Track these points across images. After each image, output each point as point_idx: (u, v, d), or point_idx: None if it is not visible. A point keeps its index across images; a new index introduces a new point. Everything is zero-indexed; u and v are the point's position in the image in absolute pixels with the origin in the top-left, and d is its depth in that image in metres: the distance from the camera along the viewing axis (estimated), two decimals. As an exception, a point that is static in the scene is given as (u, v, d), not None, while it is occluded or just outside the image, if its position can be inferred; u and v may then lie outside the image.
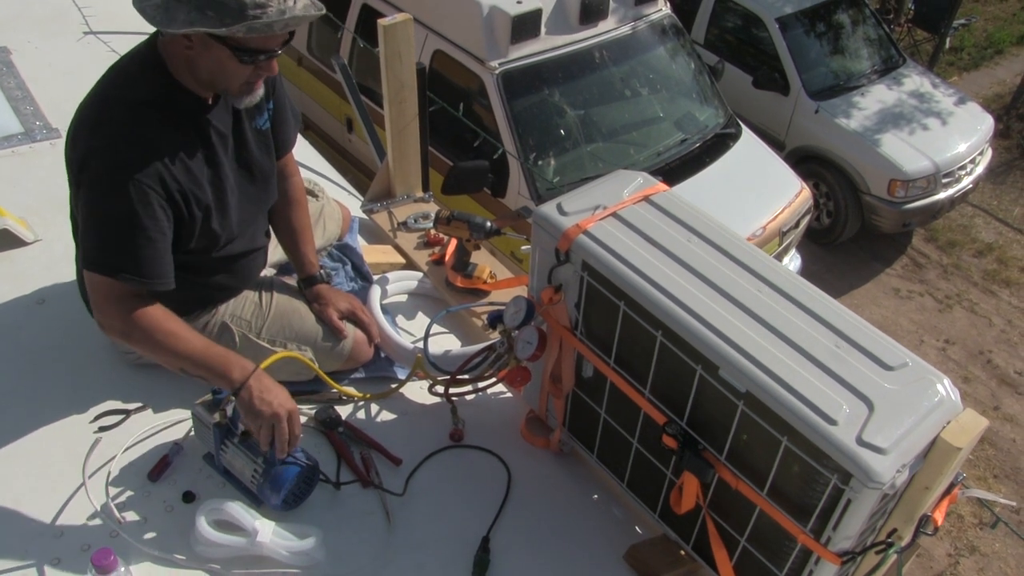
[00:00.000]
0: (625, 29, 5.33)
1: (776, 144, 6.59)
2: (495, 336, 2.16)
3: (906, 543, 1.64)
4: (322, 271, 2.36)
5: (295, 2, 1.76)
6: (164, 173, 1.83)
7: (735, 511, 1.76)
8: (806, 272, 5.77)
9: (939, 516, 1.65)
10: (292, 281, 2.38)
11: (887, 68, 7.12)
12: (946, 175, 6.37)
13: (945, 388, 1.55)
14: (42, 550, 1.85)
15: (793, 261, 5.57)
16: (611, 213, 1.89)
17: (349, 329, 2.30)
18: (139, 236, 1.83)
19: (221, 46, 1.75)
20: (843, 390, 1.53)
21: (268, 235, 2.32)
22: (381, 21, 2.58)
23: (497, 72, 4.88)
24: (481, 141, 4.98)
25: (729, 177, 5.23)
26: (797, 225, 5.28)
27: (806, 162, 6.65)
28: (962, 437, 1.48)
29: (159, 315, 1.91)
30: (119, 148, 1.80)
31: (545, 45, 5.04)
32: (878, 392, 1.52)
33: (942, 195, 6.41)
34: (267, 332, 2.22)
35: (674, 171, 5.11)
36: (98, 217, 1.84)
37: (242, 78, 1.86)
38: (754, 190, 5.25)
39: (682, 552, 1.97)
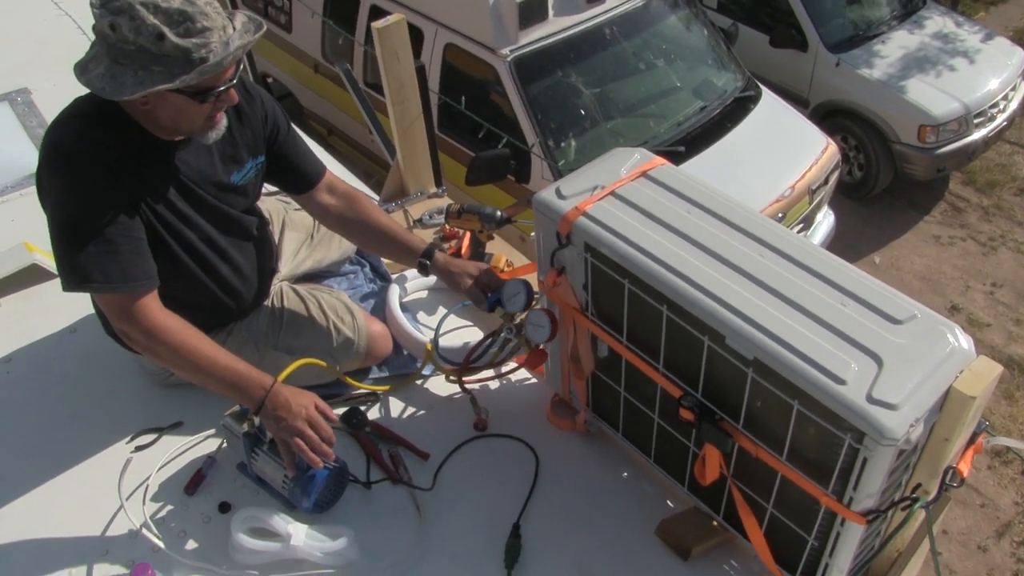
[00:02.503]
0: (633, 2, 5.29)
1: (800, 102, 6.48)
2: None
3: (932, 497, 1.63)
4: (435, 242, 2.31)
5: (233, 29, 1.76)
6: (116, 188, 1.83)
7: (759, 478, 1.76)
8: (842, 227, 5.69)
9: (964, 467, 1.63)
10: (302, 287, 2.42)
11: (907, 12, 6.95)
12: (978, 115, 6.21)
13: (956, 337, 1.53)
14: (89, 569, 1.93)
15: (827, 218, 5.48)
16: (609, 192, 1.89)
17: (363, 325, 2.33)
18: (99, 243, 1.82)
19: (176, 95, 1.76)
20: (851, 348, 1.52)
21: (268, 261, 2.32)
22: (375, 24, 2.60)
23: (509, 59, 4.88)
24: (501, 128, 4.98)
25: (752, 140, 5.17)
26: (826, 181, 5.20)
27: (832, 116, 6.53)
28: (976, 385, 1.46)
29: (180, 329, 1.92)
30: (68, 174, 1.81)
31: (554, 27, 5.02)
32: (887, 347, 1.51)
33: (976, 136, 6.25)
34: (283, 342, 2.26)
35: (696, 139, 5.07)
36: (57, 234, 1.85)
37: (203, 116, 1.86)
38: (779, 150, 5.18)
39: (714, 523, 1.98)
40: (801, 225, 5.16)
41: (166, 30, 1.67)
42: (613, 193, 1.89)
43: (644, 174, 1.93)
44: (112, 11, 1.67)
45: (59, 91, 3.57)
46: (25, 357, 2.44)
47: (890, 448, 1.42)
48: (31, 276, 2.64)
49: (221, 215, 2.08)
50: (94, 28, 1.73)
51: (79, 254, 1.83)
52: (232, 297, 2.19)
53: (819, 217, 5.38)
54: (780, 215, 4.80)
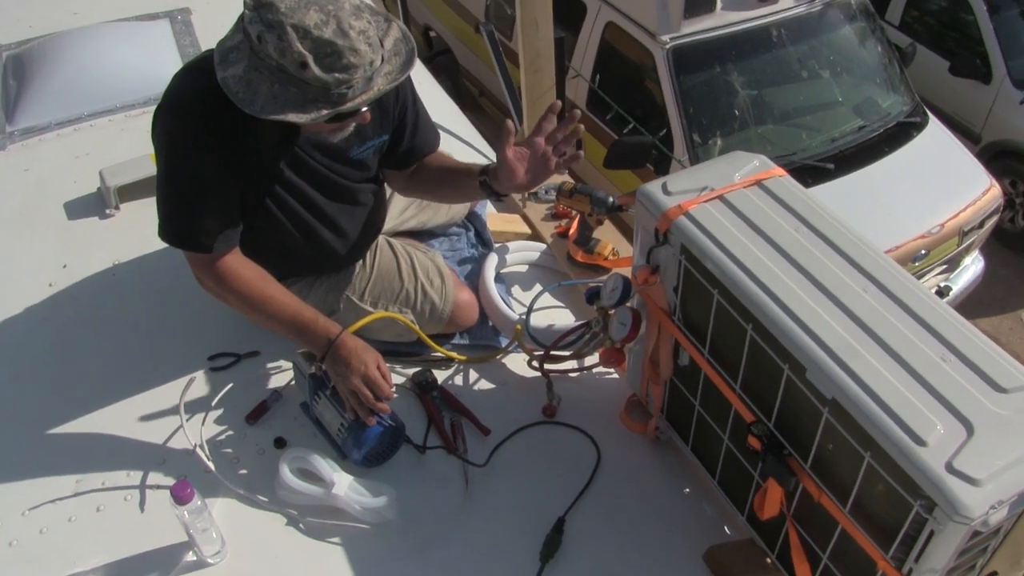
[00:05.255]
0: (807, 6, 5.05)
1: (971, 137, 6.07)
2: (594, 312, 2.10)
3: (1011, 591, 1.48)
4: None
5: (381, 60, 1.70)
6: (218, 151, 1.81)
7: (819, 525, 1.63)
8: (992, 277, 5.31)
9: (1054, 566, 1.47)
10: (399, 242, 2.40)
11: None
12: None
13: (1068, 419, 1.36)
14: (145, 474, 2.00)
15: (975, 263, 5.13)
16: (717, 196, 1.78)
17: (451, 291, 2.30)
18: (185, 203, 1.86)
19: None
20: (941, 408, 1.37)
21: (375, 223, 2.30)
22: (517, -11, 2.55)
23: (668, 47, 4.75)
24: (649, 116, 4.88)
25: (908, 169, 4.87)
26: (981, 225, 4.86)
27: (1003, 157, 6.07)
28: (1081, 478, 1.30)
29: (252, 277, 1.94)
30: (180, 126, 1.80)
31: (720, 21, 4.86)
32: (983, 415, 1.36)
33: None
34: (369, 294, 2.25)
35: (848, 159, 4.82)
36: (161, 189, 1.89)
37: (330, 128, 1.84)
38: (935, 184, 4.86)
39: (767, 560, 1.86)
40: (945, 267, 4.85)
41: (310, 59, 1.62)
42: (721, 197, 1.78)
43: (759, 183, 1.82)
44: (264, 22, 1.62)
45: (216, 12, 3.72)
46: (131, 264, 2.54)
47: (962, 527, 1.28)
48: (151, 187, 2.72)
49: (332, 184, 2.06)
50: (243, 19, 1.68)
51: (165, 208, 1.89)
52: (329, 256, 2.19)
53: (966, 261, 5.04)
54: (923, 252, 4.52)
